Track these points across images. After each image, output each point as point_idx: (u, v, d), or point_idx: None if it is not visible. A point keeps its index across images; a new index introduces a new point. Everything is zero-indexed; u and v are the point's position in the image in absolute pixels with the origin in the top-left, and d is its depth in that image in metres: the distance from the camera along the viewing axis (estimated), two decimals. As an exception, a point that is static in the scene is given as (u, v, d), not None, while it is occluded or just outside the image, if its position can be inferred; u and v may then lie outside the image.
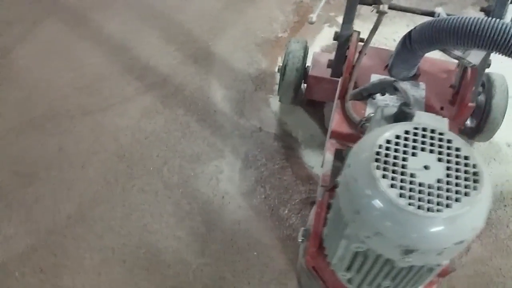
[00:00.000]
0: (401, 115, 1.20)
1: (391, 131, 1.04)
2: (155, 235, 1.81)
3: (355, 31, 1.77)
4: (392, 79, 1.38)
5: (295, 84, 2.06)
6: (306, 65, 2.10)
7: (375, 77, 1.79)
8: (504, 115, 1.91)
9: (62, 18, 2.54)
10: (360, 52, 1.70)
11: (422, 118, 1.17)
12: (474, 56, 1.53)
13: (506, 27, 1.24)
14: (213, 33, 2.51)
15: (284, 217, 1.86)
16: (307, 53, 2.12)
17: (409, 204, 0.93)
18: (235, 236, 1.80)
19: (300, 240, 1.37)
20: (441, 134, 1.05)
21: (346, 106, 1.63)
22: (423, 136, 1.05)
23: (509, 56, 1.28)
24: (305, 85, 2.12)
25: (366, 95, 1.59)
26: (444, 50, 1.57)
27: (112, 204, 1.88)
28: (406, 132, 1.05)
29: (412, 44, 1.57)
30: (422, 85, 1.81)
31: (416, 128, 1.05)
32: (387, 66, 1.84)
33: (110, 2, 2.63)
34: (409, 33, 1.57)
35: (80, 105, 2.19)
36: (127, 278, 1.72)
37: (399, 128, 1.06)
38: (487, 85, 1.92)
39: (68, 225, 1.82)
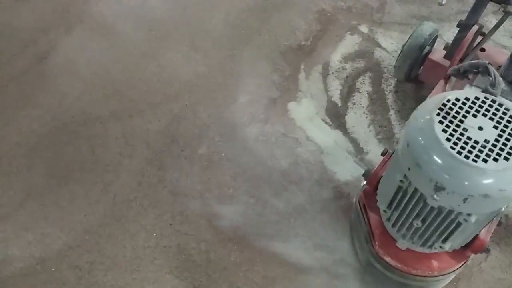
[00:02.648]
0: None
1: (453, 94, 1.24)
2: (185, 236, 1.89)
3: (479, 24, 1.85)
4: (487, 61, 1.46)
5: (411, 60, 2.16)
6: (428, 48, 2.18)
7: None
8: None
9: (91, 27, 2.64)
10: (478, 44, 1.80)
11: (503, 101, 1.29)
12: None
13: None
14: (237, 41, 2.59)
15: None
16: (435, 39, 2.22)
17: (452, 147, 1.15)
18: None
19: (363, 176, 1.63)
20: (500, 104, 1.23)
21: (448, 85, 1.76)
22: (483, 102, 1.23)
23: None
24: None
25: (462, 72, 1.64)
26: None
27: (144, 206, 1.97)
28: (467, 98, 1.23)
29: None
30: None
31: (477, 97, 1.23)
32: (500, 67, 1.89)
33: (136, 11, 2.72)
34: None
35: (111, 110, 2.28)
36: (158, 275, 1.80)
37: (461, 92, 1.24)
38: None
39: (102, 224, 1.92)
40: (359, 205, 1.68)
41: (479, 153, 1.14)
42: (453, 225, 1.30)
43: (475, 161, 1.13)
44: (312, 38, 2.63)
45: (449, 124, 1.19)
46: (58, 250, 1.85)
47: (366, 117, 2.28)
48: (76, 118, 2.25)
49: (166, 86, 2.39)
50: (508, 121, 1.21)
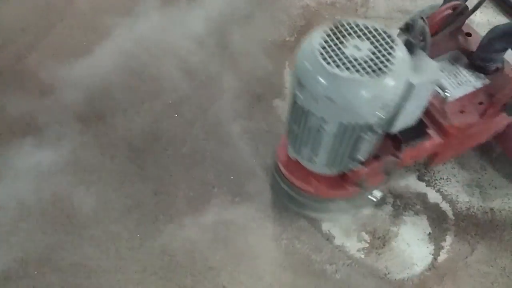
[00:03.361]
0: (406, 45, 1.35)
1: (349, 20, 1.32)
2: (169, 236, 1.87)
3: (464, 4, 1.82)
4: (421, 16, 1.48)
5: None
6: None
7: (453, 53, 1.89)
8: None
9: (72, 25, 2.60)
10: (456, 21, 1.81)
11: (420, 57, 1.35)
12: None
13: None
14: (221, 37, 2.56)
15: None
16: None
17: (318, 50, 1.23)
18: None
19: None
20: (389, 36, 1.27)
21: None
22: (375, 30, 1.29)
23: None
24: None
25: (409, 27, 1.64)
26: None
27: (127, 206, 1.95)
28: (364, 25, 1.29)
29: (490, 39, 1.72)
30: (485, 80, 1.78)
31: (373, 26, 1.29)
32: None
33: (119, 7, 2.68)
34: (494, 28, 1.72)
35: (92, 110, 2.25)
36: (142, 276, 1.78)
37: (345, 20, 1.32)
38: None
39: (85, 226, 1.89)
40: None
41: (337, 60, 1.21)
42: (316, 133, 1.38)
43: (329, 64, 1.21)
44: (297, 33, 2.61)
45: (331, 35, 1.27)
46: (40, 253, 1.82)
47: (351, 113, 2.26)
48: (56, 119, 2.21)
49: (148, 84, 2.36)
50: (385, 49, 1.25)
